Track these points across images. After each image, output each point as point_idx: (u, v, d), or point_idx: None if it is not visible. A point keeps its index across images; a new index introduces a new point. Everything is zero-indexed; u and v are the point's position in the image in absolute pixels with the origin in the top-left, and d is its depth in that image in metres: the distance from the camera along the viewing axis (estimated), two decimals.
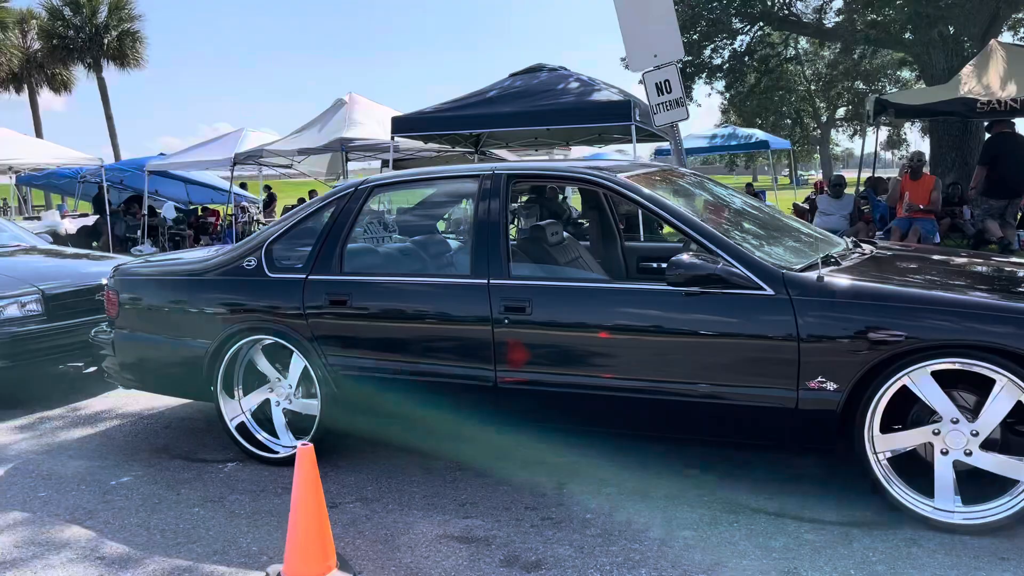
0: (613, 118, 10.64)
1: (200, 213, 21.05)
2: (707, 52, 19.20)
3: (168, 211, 19.97)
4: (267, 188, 22.96)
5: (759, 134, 21.98)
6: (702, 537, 3.47)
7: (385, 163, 18.83)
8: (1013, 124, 11.38)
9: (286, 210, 21.90)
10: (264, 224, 20.20)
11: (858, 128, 51.16)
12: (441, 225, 7.21)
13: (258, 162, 17.87)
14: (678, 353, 3.65)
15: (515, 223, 5.70)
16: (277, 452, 4.54)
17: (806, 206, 15.85)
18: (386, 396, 4.32)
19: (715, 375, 3.58)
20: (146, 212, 18.98)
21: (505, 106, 10.80)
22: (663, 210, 3.84)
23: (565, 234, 5.11)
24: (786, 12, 17.70)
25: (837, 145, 62.75)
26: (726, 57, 19.71)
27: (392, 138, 11.69)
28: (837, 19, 17.95)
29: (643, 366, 3.71)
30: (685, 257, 3.55)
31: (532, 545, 3.47)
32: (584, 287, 3.95)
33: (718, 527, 3.56)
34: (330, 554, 3.23)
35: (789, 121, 51.49)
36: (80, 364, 6.59)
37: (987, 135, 11.25)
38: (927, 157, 14.81)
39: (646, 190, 3.95)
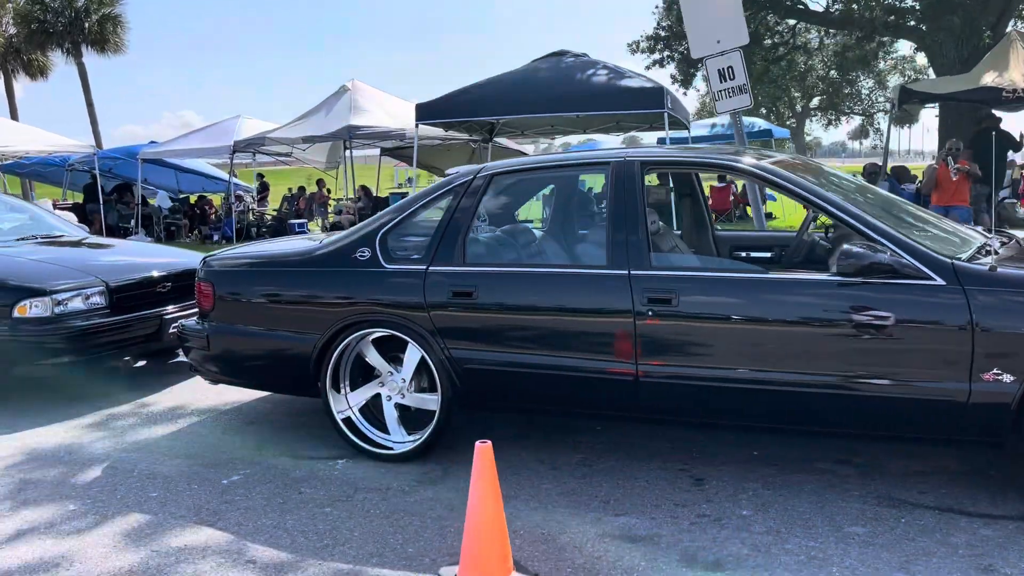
0: (645, 105, 10.60)
1: (194, 202, 20.64)
2: None
3: (163, 200, 19.60)
4: (259, 176, 22.58)
5: (760, 123, 22.01)
6: (875, 533, 3.39)
7: (386, 151, 18.66)
8: (998, 120, 12.09)
9: (284, 199, 21.65)
10: (258, 213, 19.86)
11: (832, 118, 51.58)
12: (535, 213, 7.01)
13: (258, 150, 17.56)
14: (837, 345, 3.54)
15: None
16: (392, 448, 4.38)
17: None
18: (513, 390, 4.20)
19: (878, 368, 3.49)
20: (139, 201, 18.61)
21: (536, 91, 10.68)
22: (818, 198, 3.74)
23: (660, 223, 5.00)
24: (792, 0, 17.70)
25: (809, 134, 63.22)
26: None
27: (416, 126, 11.50)
28: (839, 7, 17.95)
29: (798, 359, 3.61)
30: (855, 247, 3.46)
31: (703, 544, 3.37)
32: (735, 277, 3.83)
33: (886, 523, 3.48)
34: (508, 556, 3.11)
35: (764, 110, 51.74)
36: (128, 358, 6.38)
37: (976, 129, 11.98)
38: (936, 149, 14.90)
39: (797, 177, 3.85)
